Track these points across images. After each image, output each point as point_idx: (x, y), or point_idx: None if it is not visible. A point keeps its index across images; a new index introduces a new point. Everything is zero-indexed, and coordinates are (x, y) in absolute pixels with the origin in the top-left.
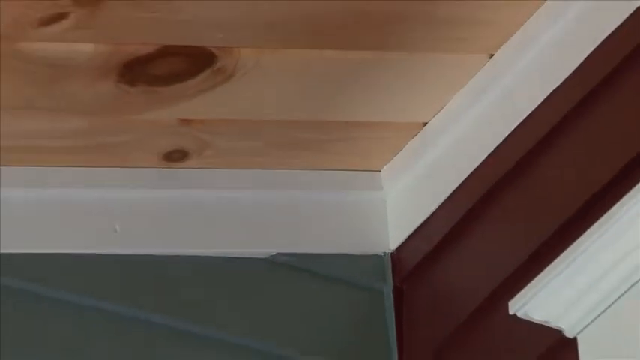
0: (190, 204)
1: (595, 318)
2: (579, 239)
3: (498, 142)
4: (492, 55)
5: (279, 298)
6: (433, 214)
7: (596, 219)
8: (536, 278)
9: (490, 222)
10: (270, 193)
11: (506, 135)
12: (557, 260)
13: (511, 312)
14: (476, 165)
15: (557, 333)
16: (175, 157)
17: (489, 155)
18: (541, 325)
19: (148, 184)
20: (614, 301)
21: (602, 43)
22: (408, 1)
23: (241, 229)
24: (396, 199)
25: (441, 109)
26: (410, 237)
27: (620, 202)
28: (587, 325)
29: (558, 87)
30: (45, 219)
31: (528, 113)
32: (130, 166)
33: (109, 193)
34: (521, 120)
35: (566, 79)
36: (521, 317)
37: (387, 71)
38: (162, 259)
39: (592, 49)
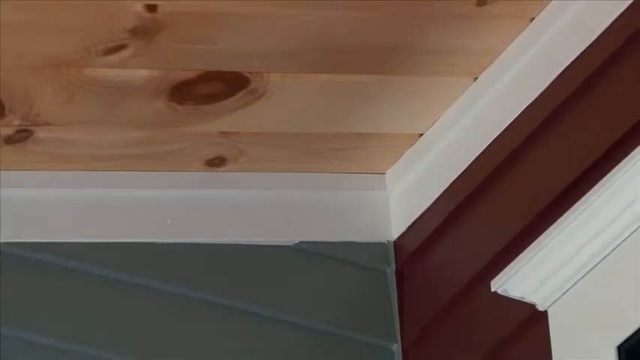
0: (228, 201)
1: (563, 294)
2: (549, 229)
3: (482, 150)
4: (476, 78)
5: (301, 278)
6: (428, 209)
7: (564, 212)
8: (514, 261)
9: (475, 215)
10: (294, 192)
11: (488, 143)
12: (531, 246)
13: (493, 290)
14: (463, 168)
15: (531, 307)
16: (216, 162)
17: (474, 160)
18: (518, 300)
19: (194, 185)
20: (579, 279)
21: (567, 67)
22: (407, 35)
23: (270, 221)
24: (398, 197)
25: (434, 123)
26: (409, 228)
27: (583, 198)
28: (556, 300)
29: (530, 104)
30: (114, 214)
31: (506, 125)
32: (179, 170)
33: (162, 193)
34: (500, 131)
35: (537, 97)
36: (501, 294)
37: (389, 91)
38: (205, 247)
39: (558, 72)
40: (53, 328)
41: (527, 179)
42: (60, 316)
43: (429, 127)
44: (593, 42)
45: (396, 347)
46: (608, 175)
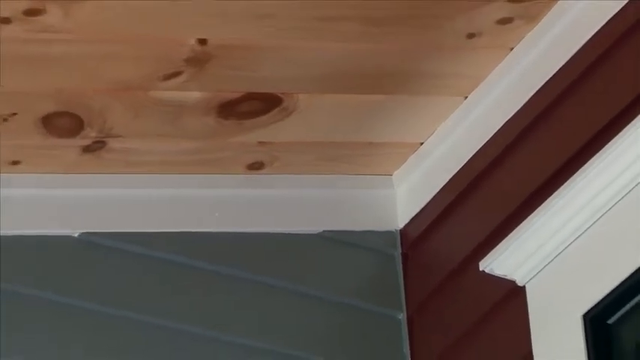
0: (265, 198)
1: (539, 271)
2: (528, 218)
3: (472, 155)
4: (466, 97)
5: (325, 260)
6: (428, 203)
7: (540, 203)
8: (499, 245)
9: (467, 208)
10: (318, 190)
11: (477, 149)
12: (513, 232)
13: (481, 269)
14: (456, 170)
15: (512, 283)
16: (255, 166)
17: (465, 163)
18: (501, 277)
19: (237, 185)
20: (553, 259)
21: (539, 88)
22: (410, 62)
23: (299, 214)
24: (403, 194)
25: (432, 134)
26: (412, 219)
27: (555, 193)
28: (533, 277)
29: (510, 118)
30: (173, 209)
31: (491, 135)
32: (226, 173)
33: (211, 192)
34: (486, 140)
35: (515, 112)
36: (488, 272)
37: (395, 108)
38: (247, 235)
39: (533, 92)
40: (130, 303)
41: (508, 178)
42: (133, 292)
43: (428, 137)
44: (560, 69)
45: (402, 315)
46: (575, 174)
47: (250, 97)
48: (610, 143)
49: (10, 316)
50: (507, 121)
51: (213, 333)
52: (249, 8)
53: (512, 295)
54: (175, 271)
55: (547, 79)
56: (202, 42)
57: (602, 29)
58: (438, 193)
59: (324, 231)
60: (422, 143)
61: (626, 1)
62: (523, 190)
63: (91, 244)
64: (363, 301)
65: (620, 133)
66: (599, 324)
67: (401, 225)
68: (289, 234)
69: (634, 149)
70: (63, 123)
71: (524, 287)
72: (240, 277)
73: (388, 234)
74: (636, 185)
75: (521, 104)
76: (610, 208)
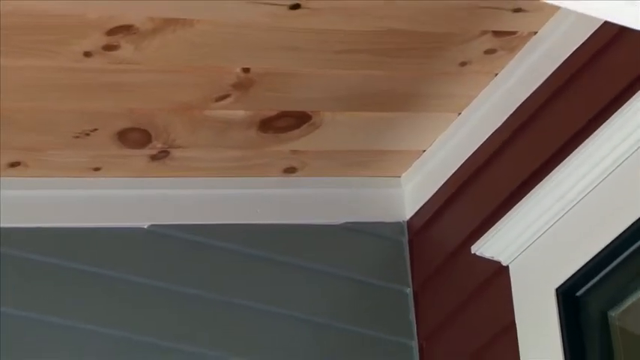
0: (297, 196)
1: (520, 253)
2: (511, 210)
3: (464, 159)
4: (460, 113)
5: (346, 246)
6: (429, 200)
7: (522, 197)
8: (487, 232)
9: (461, 203)
10: (341, 190)
11: (469, 155)
12: (499, 222)
13: (472, 252)
14: (452, 172)
15: (497, 264)
16: (289, 170)
17: (460, 166)
18: (489, 259)
19: (275, 186)
20: (533, 242)
21: (518, 106)
22: (415, 85)
23: (325, 209)
24: (409, 192)
25: (432, 143)
26: (417, 212)
27: (534, 189)
28: (515, 257)
29: (496, 130)
30: (223, 206)
31: (480, 143)
32: (265, 176)
33: (254, 191)
34: (476, 147)
35: (500, 125)
36: (479, 255)
37: (403, 122)
38: (282, 226)
39: (513, 109)
40: (190, 282)
41: (495, 178)
42: (192, 273)
43: (429, 146)
44: (534, 90)
45: (409, 290)
46: (548, 175)
47: (285, 114)
48: (576, 151)
49: (93, 293)
50: (493, 132)
51: (261, 305)
52: (283, 43)
53: (498, 274)
54: (226, 256)
55: (524, 98)
56: (246, 70)
57: (567, 60)
58: (438, 191)
59: (345, 222)
60: (424, 151)
61: (585, 38)
62: (506, 187)
63: (158, 235)
64: (377, 278)
65: (584, 143)
66: (570, 296)
67: (407, 217)
68: (317, 225)
69: (595, 156)
70: (134, 137)
71: (507, 267)
72: (277, 260)
73: (397, 224)
74: (597, 185)
75: (504, 119)
76: (578, 202)
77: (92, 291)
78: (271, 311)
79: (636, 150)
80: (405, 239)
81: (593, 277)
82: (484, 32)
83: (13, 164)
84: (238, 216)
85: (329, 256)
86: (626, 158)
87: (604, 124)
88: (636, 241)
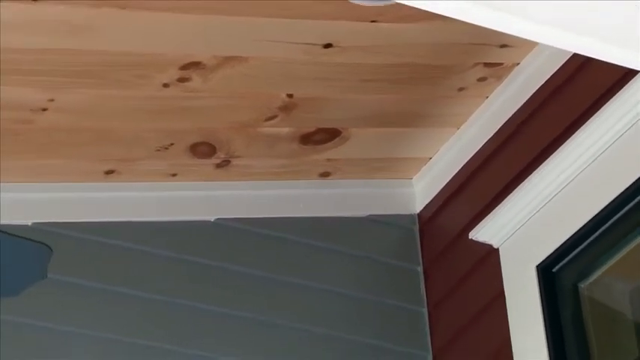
0: (331, 195)
1: (509, 237)
2: (500, 204)
3: (462, 164)
4: (459, 128)
5: (369, 233)
6: (435, 196)
7: (510, 193)
8: (482, 221)
9: (461, 199)
10: (366, 189)
11: (466, 161)
12: (490, 213)
13: (470, 237)
14: (453, 174)
15: (490, 246)
16: (324, 175)
17: (458, 171)
18: (483, 242)
19: (313, 187)
20: (520, 227)
21: (505, 121)
22: (423, 106)
23: (353, 205)
24: (419, 191)
25: (437, 152)
26: (425, 206)
27: (520, 186)
28: (505, 241)
29: (487, 140)
30: (273, 203)
31: (475, 151)
32: (305, 179)
33: (297, 191)
34: (473, 154)
35: (491, 136)
36: (475, 240)
37: (413, 136)
38: (320, 218)
39: (501, 124)
40: (250, 263)
41: (488, 178)
42: (251, 256)
43: (435, 154)
44: (517, 109)
45: (420, 268)
46: (530, 175)
47: (320, 130)
48: (551, 156)
49: (176, 272)
50: (485, 143)
51: (305, 281)
52: (319, 74)
53: (490, 254)
54: (276, 242)
55: (510, 115)
56: (290, 96)
57: (543, 85)
58: (442, 189)
59: (369, 215)
60: (430, 158)
61: (558, 67)
62: (497, 186)
63: (222, 226)
64: (394, 259)
65: (558, 150)
66: (547, 272)
67: (418, 210)
68: (346, 217)
69: (567, 160)
70: (203, 149)
71: (498, 249)
72: (316, 245)
73: (410, 216)
74: (570, 182)
75: (494, 132)
76: (554, 196)
77: (176, 270)
78: (312, 286)
79: (600, 155)
80: (416, 228)
81: (566, 256)
82: (477, 64)
83: (108, 172)
84: (285, 211)
85: (356, 241)
86: (593, 161)
87: (574, 134)
88: (601, 227)
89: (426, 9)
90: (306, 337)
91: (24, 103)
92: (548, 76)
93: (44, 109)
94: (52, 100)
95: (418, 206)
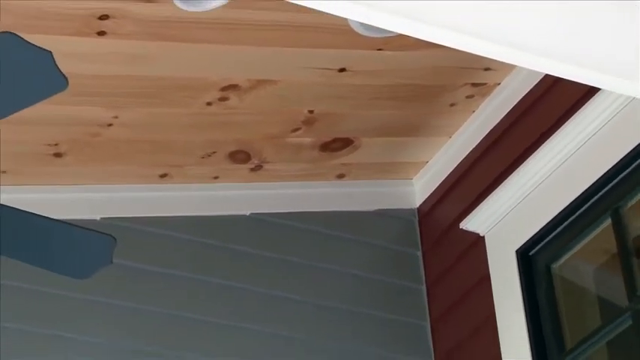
0: (346, 193)
1: (492, 227)
2: (485, 200)
3: (454, 167)
4: (450, 137)
5: (377, 224)
6: (431, 194)
7: (493, 190)
8: (470, 214)
9: (453, 195)
10: (375, 188)
11: (457, 164)
12: (477, 207)
13: (460, 227)
14: (446, 175)
15: (477, 235)
16: (340, 176)
17: (451, 172)
18: (471, 231)
19: (331, 186)
20: (500, 220)
21: (491, 130)
22: (420, 120)
23: (365, 201)
24: (418, 189)
25: (432, 157)
26: (424, 201)
27: (502, 183)
28: (490, 229)
29: (475, 146)
30: (297, 200)
31: (464, 157)
32: (324, 180)
33: (317, 189)
34: (461, 159)
35: (478, 143)
36: (465, 229)
37: (414, 144)
38: (337, 212)
39: (487, 131)
40: (286, 247)
41: (476, 178)
42: (285, 241)
43: (430, 158)
44: (499, 121)
45: (419, 253)
46: (512, 173)
47: (336, 140)
48: (527, 160)
49: (218, 258)
50: (473, 149)
51: (325, 264)
52: (335, 93)
53: (478, 241)
54: (300, 232)
55: (493, 126)
56: (311, 112)
57: (520, 101)
58: (437, 188)
59: (377, 209)
60: (427, 162)
61: (532, 86)
62: (482, 185)
63: (256, 220)
64: (398, 245)
65: (533, 154)
66: (525, 255)
67: (417, 205)
68: (358, 211)
69: (542, 162)
70: (240, 156)
71: (484, 237)
72: (332, 234)
73: (411, 210)
74: (543, 181)
75: (480, 140)
76: (530, 193)
77: (218, 255)
78: (329, 268)
79: (567, 159)
80: (416, 220)
81: (541, 242)
82: (465, 84)
83: (162, 175)
84: (307, 206)
85: (366, 231)
86: (562, 163)
87: (546, 142)
88: (569, 218)
89: (423, 38)
90: (325, 310)
91: (93, 119)
92: (524, 94)
93: (110, 125)
94: (116, 117)
95: (417, 201)
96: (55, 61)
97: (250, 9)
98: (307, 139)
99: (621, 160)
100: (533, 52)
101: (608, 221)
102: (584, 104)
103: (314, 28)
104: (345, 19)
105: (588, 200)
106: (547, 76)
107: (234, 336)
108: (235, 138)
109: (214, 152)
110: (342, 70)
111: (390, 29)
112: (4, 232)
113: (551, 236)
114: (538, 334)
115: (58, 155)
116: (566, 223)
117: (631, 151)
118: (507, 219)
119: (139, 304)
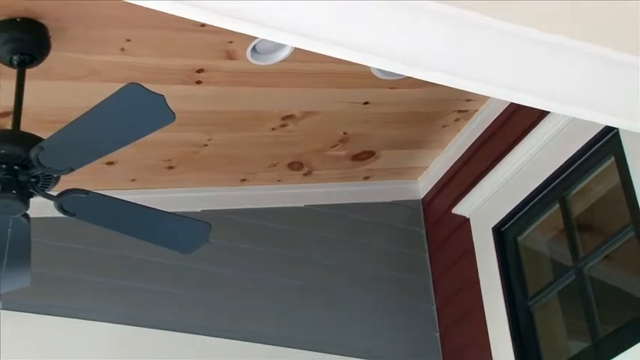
0: (369, 190)
1: (476, 210)
2: (471, 190)
3: (447, 168)
4: (443, 149)
5: (391, 211)
6: (431, 188)
7: (478, 181)
8: (460, 202)
9: (449, 189)
10: (391, 185)
11: (449, 167)
12: (465, 197)
13: (452, 212)
14: (441, 175)
15: (464, 217)
16: (366, 178)
17: (445, 173)
18: (459, 215)
19: (358, 185)
20: (482, 205)
21: (476, 139)
22: (420, 136)
23: (382, 194)
24: (422, 186)
25: (431, 163)
26: (426, 194)
27: (486, 176)
28: (473, 212)
29: (462, 154)
30: (334, 196)
31: (454, 161)
32: (352, 182)
33: (350, 188)
34: (452, 163)
35: (465, 151)
36: (455, 213)
37: (418, 155)
38: (363, 204)
39: (473, 141)
40: (335, 232)
41: (465, 177)
42: (332, 227)
43: (430, 164)
44: (481, 133)
45: (424, 232)
46: (494, 168)
47: (364, 152)
48: (498, 164)
49: (276, 245)
50: (460, 156)
51: (354, 245)
52: (361, 119)
53: (465, 223)
54: (339, 219)
55: (474, 139)
56: (345, 133)
57: (493, 121)
58: (435, 184)
59: (393, 200)
60: (427, 167)
61: (501, 111)
62: (468, 181)
63: (309, 210)
64: (408, 226)
65: (502, 160)
66: (499, 231)
67: (422, 197)
68: (379, 202)
69: (508, 166)
70: (295, 165)
71: (469, 218)
72: (360, 220)
73: (417, 201)
74: (510, 179)
75: (465, 149)
76: (501, 187)
77: (281, 237)
78: (357, 241)
79: (529, 161)
80: (421, 208)
81: (509, 221)
82: (453, 111)
83: (242, 180)
84: (343, 199)
85: (385, 215)
86: (523, 166)
87: (512, 151)
88: (530, 203)
89: (423, 79)
90: (355, 272)
91: (193, 141)
92: (495, 117)
93: (205, 145)
94: (210, 139)
95: (421, 194)
96: (166, 102)
97: (300, 61)
98: (342, 152)
99: (565, 162)
100: (503, 87)
101: (557, 205)
102: (538, 123)
103: (346, 74)
104: (368, 67)
105: (542, 191)
106: (511, 104)
107: (299, 289)
108: (292, 152)
109: (277, 163)
110: (366, 103)
111: (402, 74)
112: (139, 222)
113: (517, 217)
114: (509, 287)
115: (170, 167)
116: (527, 207)
117: (572, 156)
118: (486, 205)
119: (226, 269)
